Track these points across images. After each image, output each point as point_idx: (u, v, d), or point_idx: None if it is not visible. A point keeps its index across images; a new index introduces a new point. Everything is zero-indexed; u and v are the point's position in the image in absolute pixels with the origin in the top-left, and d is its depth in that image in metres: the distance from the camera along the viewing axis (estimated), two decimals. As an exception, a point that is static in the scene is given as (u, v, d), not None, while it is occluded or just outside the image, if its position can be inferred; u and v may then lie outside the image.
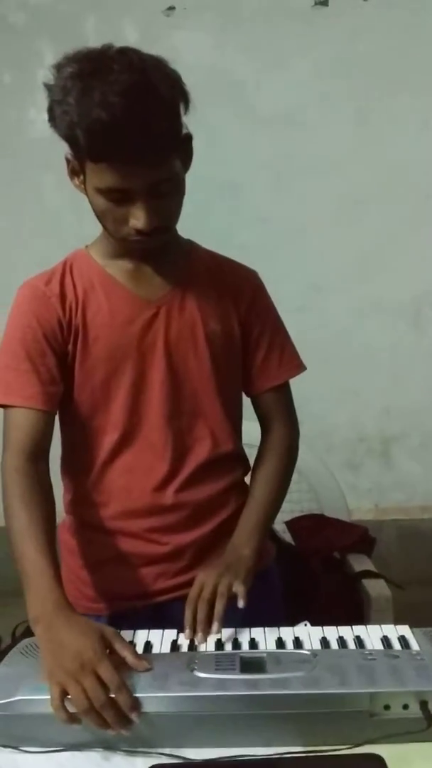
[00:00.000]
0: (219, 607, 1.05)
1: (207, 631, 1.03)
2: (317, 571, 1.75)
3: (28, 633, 1.05)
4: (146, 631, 1.05)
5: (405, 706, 0.87)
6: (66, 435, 1.23)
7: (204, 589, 1.08)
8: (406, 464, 2.98)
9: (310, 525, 1.88)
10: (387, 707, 0.87)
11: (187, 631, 1.03)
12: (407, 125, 2.67)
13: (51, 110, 1.05)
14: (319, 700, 0.87)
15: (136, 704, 0.86)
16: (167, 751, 0.87)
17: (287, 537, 1.85)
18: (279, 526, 1.85)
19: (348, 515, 1.93)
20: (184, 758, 0.86)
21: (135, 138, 0.98)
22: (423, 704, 0.87)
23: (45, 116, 2.79)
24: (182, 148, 1.08)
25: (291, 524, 1.89)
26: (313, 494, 1.93)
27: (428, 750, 0.86)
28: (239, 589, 1.07)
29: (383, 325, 2.84)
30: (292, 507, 1.92)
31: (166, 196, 1.08)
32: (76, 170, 1.09)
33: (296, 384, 1.35)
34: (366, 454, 2.95)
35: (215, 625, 1.03)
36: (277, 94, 2.64)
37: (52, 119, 1.05)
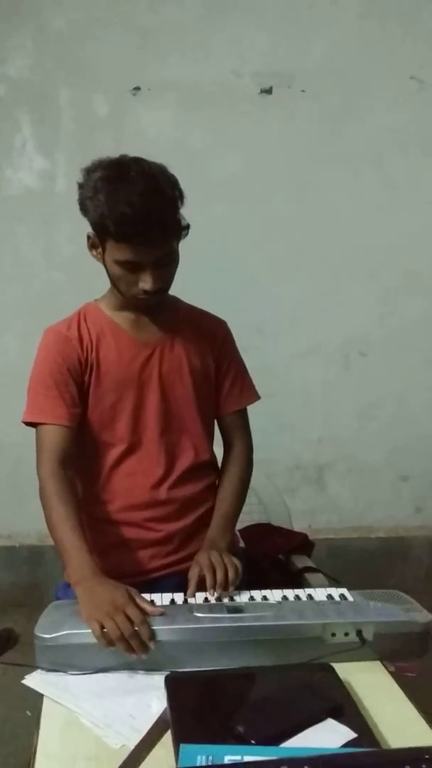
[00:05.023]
0: (232, 574, 1.37)
1: (219, 590, 1.33)
2: (266, 570, 2.08)
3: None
4: (148, 594, 1.36)
5: (346, 634, 1.23)
6: (80, 446, 1.52)
7: (206, 561, 1.39)
8: (336, 489, 3.32)
9: (259, 532, 2.20)
10: (333, 635, 1.22)
11: (190, 590, 1.34)
12: (339, 194, 3.05)
13: (83, 203, 1.39)
14: (285, 629, 1.22)
15: (153, 635, 1.18)
16: (174, 669, 1.18)
17: (240, 542, 2.18)
18: (233, 533, 2.18)
19: (291, 524, 2.27)
20: (188, 673, 1.18)
21: (149, 227, 1.33)
22: (358, 632, 1.23)
23: (19, 175, 3.12)
24: (180, 233, 1.44)
25: (243, 532, 2.21)
26: (262, 507, 2.27)
27: (362, 665, 1.22)
28: (238, 563, 1.40)
29: (317, 366, 3.18)
30: (244, 517, 2.24)
31: (167, 267, 1.43)
32: (95, 245, 1.43)
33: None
34: (301, 480, 3.28)
35: (231, 588, 1.35)
36: (228, 164, 2.98)
37: (84, 210, 1.39)
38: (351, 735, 0.98)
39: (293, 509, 2.36)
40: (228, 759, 0.91)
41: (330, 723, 1.01)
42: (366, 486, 3.34)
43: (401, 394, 3.26)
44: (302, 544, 2.18)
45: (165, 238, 1.37)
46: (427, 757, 0.89)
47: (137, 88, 2.94)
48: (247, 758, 0.91)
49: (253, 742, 0.96)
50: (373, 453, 3.31)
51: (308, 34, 2.96)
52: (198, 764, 0.90)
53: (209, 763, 0.90)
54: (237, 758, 0.91)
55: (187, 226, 1.44)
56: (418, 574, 3.26)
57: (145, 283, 1.40)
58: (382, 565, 3.25)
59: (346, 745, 0.96)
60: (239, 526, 2.24)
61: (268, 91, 2.98)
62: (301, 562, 2.10)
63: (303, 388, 3.20)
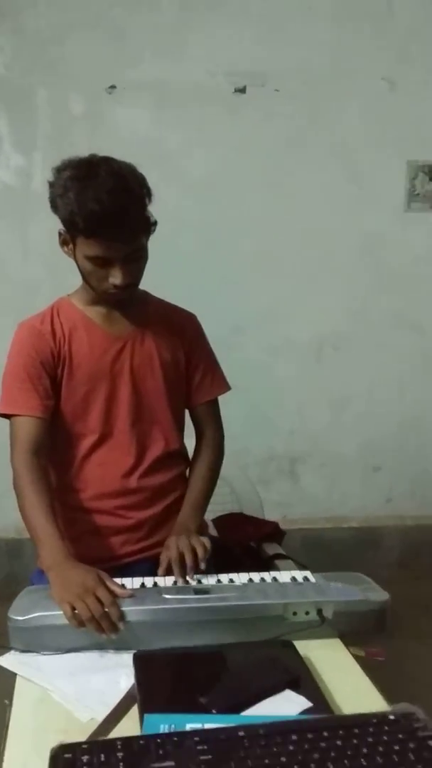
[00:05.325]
0: (201, 552, 1.42)
1: (191, 573, 1.39)
2: (238, 558, 2.14)
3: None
4: (120, 578, 1.42)
5: (307, 613, 1.29)
6: (53, 437, 1.57)
7: (174, 549, 1.43)
8: (309, 481, 3.40)
9: (232, 521, 2.26)
10: (295, 613, 1.28)
11: (161, 570, 1.40)
12: (312, 193, 3.11)
13: (53, 201, 1.43)
14: (249, 608, 1.27)
15: (122, 616, 1.24)
16: (143, 648, 1.24)
17: (213, 531, 2.24)
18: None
19: (263, 514, 2.33)
20: (156, 652, 1.24)
21: (117, 223, 1.38)
22: (319, 611, 1.29)
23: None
24: (148, 229, 1.49)
25: (216, 521, 2.27)
26: (235, 497, 2.33)
27: (322, 642, 1.28)
28: (206, 540, 1.46)
29: (291, 360, 3.25)
30: (217, 507, 2.31)
31: (136, 262, 1.48)
32: (66, 241, 1.48)
33: (221, 409, 1.78)
34: (275, 471, 3.35)
35: (202, 565, 1.40)
36: (202, 163, 3.03)
37: (55, 207, 1.44)
38: (307, 704, 1.05)
39: (267, 500, 2.42)
40: (189, 727, 0.97)
41: (287, 693, 1.07)
42: (338, 477, 3.42)
43: (372, 387, 3.35)
44: (273, 532, 2.24)
45: (133, 235, 1.42)
46: (375, 721, 0.95)
47: (113, 87, 2.98)
48: (208, 726, 0.97)
49: (214, 711, 1.02)
50: (345, 445, 3.39)
51: (282, 34, 3.02)
52: (161, 731, 0.96)
53: (171, 731, 0.96)
54: (198, 726, 0.97)
55: (155, 223, 1.49)
56: (389, 562, 3.33)
57: (115, 278, 1.45)
58: (355, 555, 3.31)
59: (302, 713, 1.03)
60: (212, 515, 2.31)
61: (242, 90, 3.03)
62: (272, 549, 2.16)
63: (277, 381, 3.27)
